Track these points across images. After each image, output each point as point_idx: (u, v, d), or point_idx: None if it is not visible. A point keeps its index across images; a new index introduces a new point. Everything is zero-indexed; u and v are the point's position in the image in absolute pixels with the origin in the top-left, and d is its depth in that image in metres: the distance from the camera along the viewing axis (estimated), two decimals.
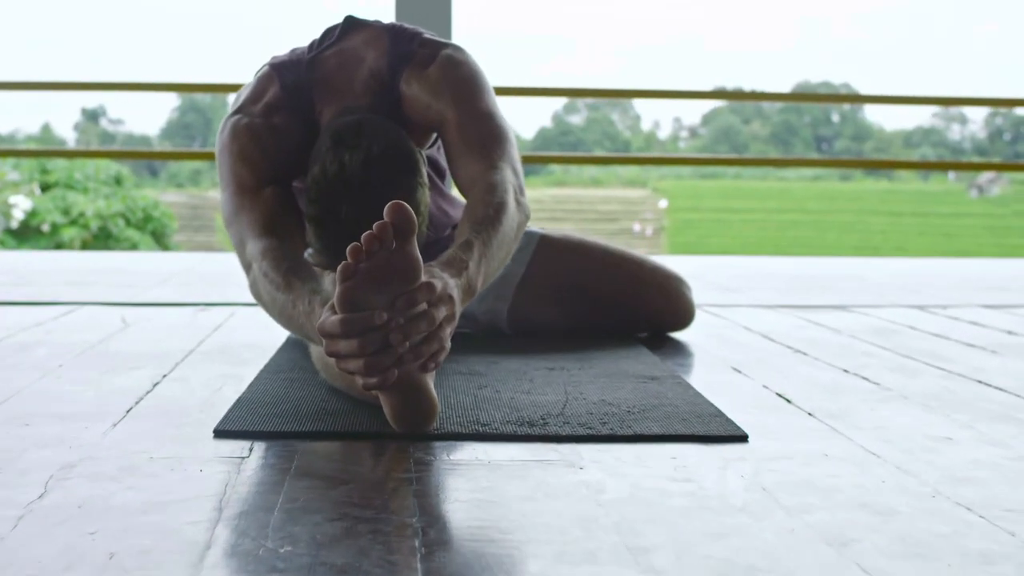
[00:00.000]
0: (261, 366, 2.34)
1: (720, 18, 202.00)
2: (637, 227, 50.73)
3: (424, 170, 2.14)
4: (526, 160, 6.65)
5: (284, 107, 2.32)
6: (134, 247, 27.10)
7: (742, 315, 3.33)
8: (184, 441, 1.70)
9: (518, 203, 2.16)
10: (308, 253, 2.25)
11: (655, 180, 63.03)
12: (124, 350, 2.56)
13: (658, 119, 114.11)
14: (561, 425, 1.81)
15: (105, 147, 74.17)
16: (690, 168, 70.24)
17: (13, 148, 7.61)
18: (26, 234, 28.72)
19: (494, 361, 2.41)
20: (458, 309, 1.81)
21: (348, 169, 2.07)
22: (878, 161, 7.90)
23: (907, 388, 2.20)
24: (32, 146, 39.50)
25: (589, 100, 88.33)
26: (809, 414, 1.95)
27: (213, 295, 3.68)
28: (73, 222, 27.02)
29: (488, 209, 2.06)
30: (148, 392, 2.08)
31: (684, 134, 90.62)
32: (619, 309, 2.81)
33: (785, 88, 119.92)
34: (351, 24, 2.41)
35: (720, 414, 1.90)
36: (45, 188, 28.44)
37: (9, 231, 28.51)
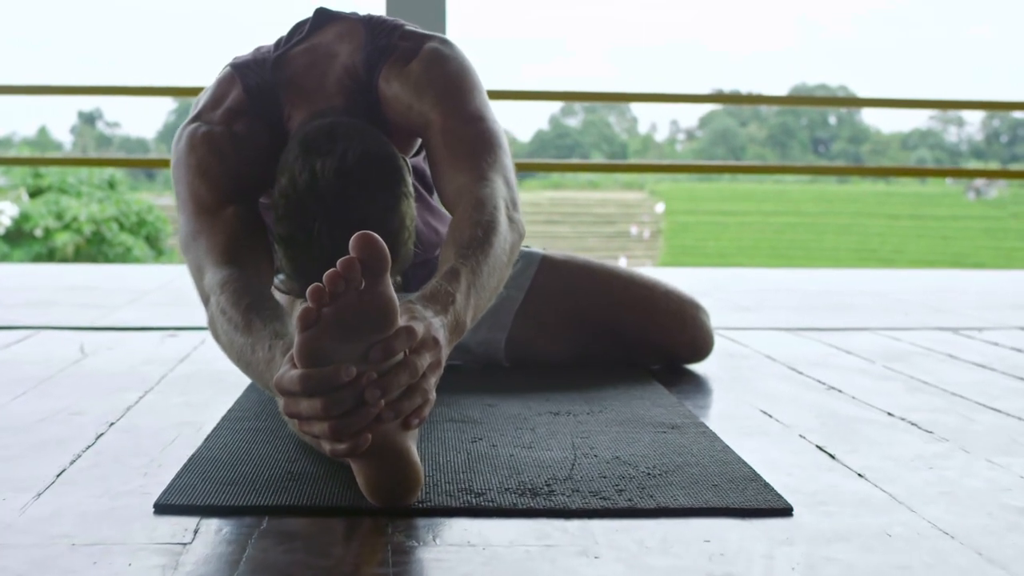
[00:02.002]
0: (225, 410, 2.05)
1: (716, 20, 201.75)
2: (634, 230, 50.50)
3: (408, 179, 1.87)
4: (523, 168, 6.39)
5: (247, 112, 2.05)
6: (128, 251, 26.82)
7: (762, 341, 3.04)
8: (118, 519, 1.41)
9: (511, 220, 1.90)
10: (278, 279, 1.97)
11: (652, 183, 62.81)
12: (73, 389, 2.27)
13: (655, 122, 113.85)
14: (570, 494, 1.52)
15: (100, 152, 73.92)
16: (688, 172, 70.05)
17: (3, 156, 7.33)
18: (19, 239, 28.43)
19: (491, 404, 2.12)
20: (445, 353, 1.55)
21: (320, 179, 1.80)
22: (877, 168, 7.63)
23: (966, 437, 1.91)
24: (26, 151, 39.19)
25: (586, 103, 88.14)
26: (859, 475, 1.66)
27: (184, 318, 3.38)
28: (66, 227, 26.72)
29: (476, 230, 1.79)
30: (88, 447, 1.79)
31: (681, 137, 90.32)
32: (629, 338, 2.52)
33: (782, 90, 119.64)
34: (323, 17, 2.13)
35: (756, 477, 1.61)
36: (38, 192, 28.16)
37: (2, 237, 28.21)
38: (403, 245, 1.85)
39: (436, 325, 1.53)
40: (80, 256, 26.39)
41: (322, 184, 1.80)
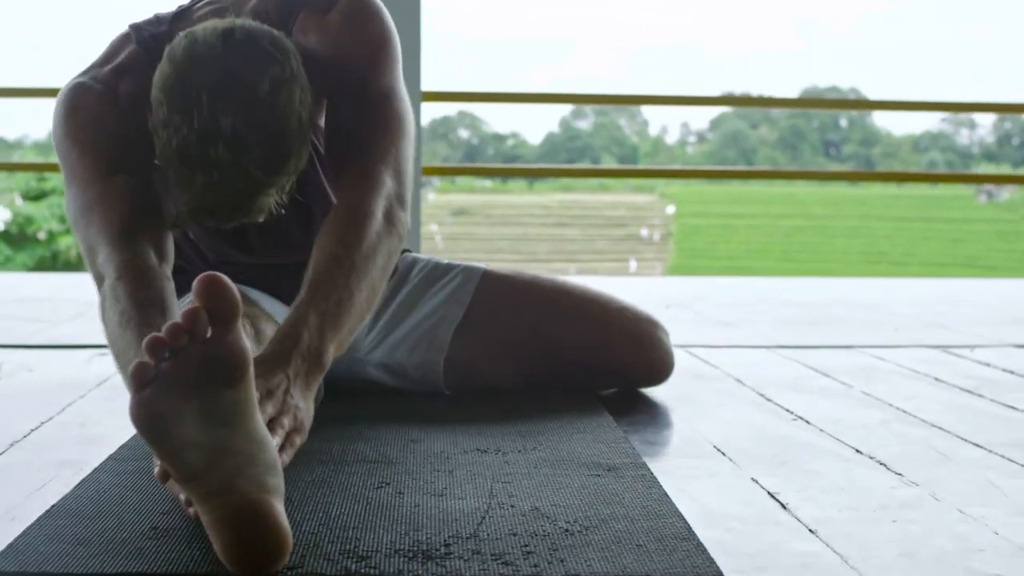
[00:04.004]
0: (120, 443, 1.84)
1: (724, 22, 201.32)
2: (645, 232, 50.31)
3: (304, 74, 1.69)
4: (527, 173, 6.22)
5: (139, 70, 1.82)
6: None
7: (734, 360, 2.82)
8: None
9: (390, 221, 1.82)
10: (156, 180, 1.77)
11: (662, 186, 62.60)
12: None
13: (666, 124, 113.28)
14: (469, 557, 1.31)
15: None
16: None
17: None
18: (22, 242, 28.35)
19: (415, 440, 1.90)
20: (306, 410, 1.52)
21: (202, 44, 1.63)
22: (890, 173, 7.42)
23: (940, 481, 1.69)
24: (31, 155, 39.07)
25: (597, 106, 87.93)
26: (811, 530, 1.44)
27: None
28: (69, 230, 26.62)
29: (339, 247, 1.74)
30: None
31: (692, 139, 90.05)
32: (580, 361, 2.30)
33: (793, 92, 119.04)
34: None
35: (689, 535, 1.40)
36: (42, 196, 28.06)
37: (4, 239, 28.12)
38: (294, 137, 1.66)
39: (294, 392, 1.53)
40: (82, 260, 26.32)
41: (203, 49, 1.62)
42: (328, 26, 1.90)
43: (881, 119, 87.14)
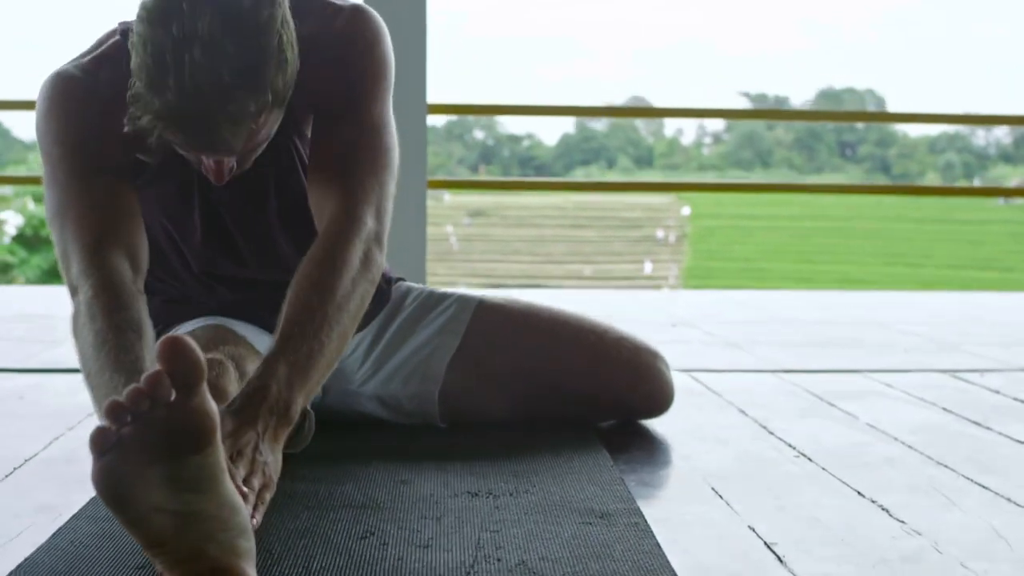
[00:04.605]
0: None
1: (739, 21, 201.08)
2: (660, 234, 50.19)
3: (286, 7, 1.67)
4: (524, 187, 6.16)
5: (120, 56, 1.79)
6: None
7: (739, 387, 2.76)
8: None
9: (366, 266, 1.79)
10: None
11: (678, 187, 62.38)
12: None
13: (681, 125, 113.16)
14: None
15: None
16: (714, 174, 69.72)
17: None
18: (37, 245, 28.41)
19: (404, 480, 1.85)
20: (275, 463, 1.55)
21: None
22: (911, 187, 7.35)
23: (944, 529, 1.64)
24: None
25: (612, 104, 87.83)
26: None
27: None
28: None
29: (315, 295, 1.70)
30: None
31: (708, 140, 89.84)
32: (577, 392, 2.25)
33: (809, 93, 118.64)
34: None
35: None
36: None
37: (20, 241, 28.19)
38: (272, 55, 1.63)
39: (263, 447, 1.52)
40: None
41: None
42: (332, 35, 1.89)
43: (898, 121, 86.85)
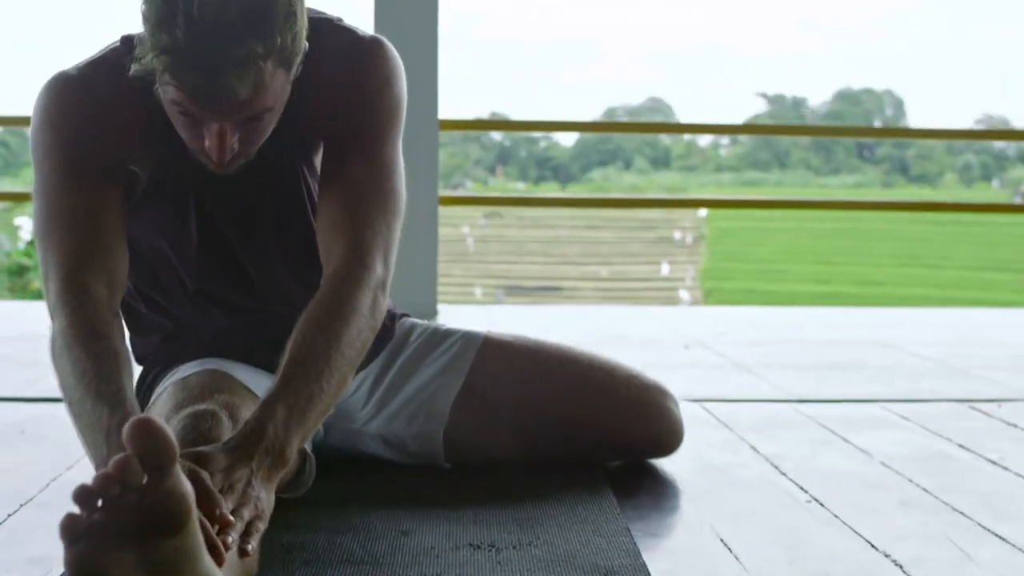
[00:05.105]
0: None
1: (759, 22, 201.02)
2: (677, 235, 50.12)
3: None
4: (521, 203, 6.15)
5: (118, 60, 1.82)
6: None
7: (753, 420, 2.71)
8: None
9: (372, 315, 1.79)
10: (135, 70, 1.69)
11: (695, 187, 62.40)
12: None
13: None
14: None
15: None
16: (731, 175, 69.62)
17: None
18: None
19: (406, 531, 1.81)
20: (267, 499, 1.54)
21: None
22: (935, 203, 7.29)
23: None
24: None
25: (630, 106, 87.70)
26: None
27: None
28: None
29: (321, 338, 1.70)
30: None
31: (725, 140, 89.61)
32: (585, 432, 2.20)
33: (826, 95, 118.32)
34: None
35: None
36: None
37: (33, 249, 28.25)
38: (282, 5, 1.65)
39: (255, 482, 1.50)
40: None
41: None
42: (350, 60, 1.90)
43: (915, 121, 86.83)
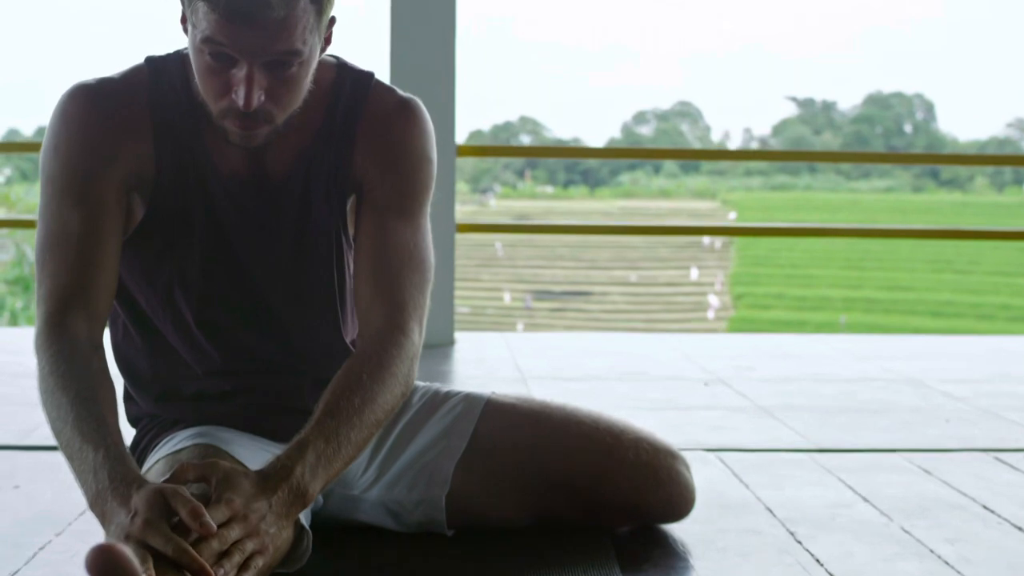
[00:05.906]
0: None
1: (790, 25, 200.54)
2: (706, 240, 50.03)
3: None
4: (539, 231, 6.09)
5: (137, 78, 1.90)
6: None
7: (770, 475, 2.62)
8: None
9: (405, 384, 1.87)
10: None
11: (724, 192, 62.26)
12: None
13: (728, 129, 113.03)
14: None
15: None
16: (760, 179, 69.41)
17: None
18: None
19: None
20: (278, 535, 1.62)
21: None
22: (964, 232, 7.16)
23: None
24: None
25: (659, 110, 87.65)
26: None
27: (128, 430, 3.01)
28: None
29: (354, 398, 1.77)
30: None
31: (754, 144, 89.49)
32: (592, 497, 2.11)
33: (857, 98, 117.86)
34: None
35: None
36: None
37: None
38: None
39: (267, 517, 1.59)
40: None
41: None
42: (393, 115, 1.96)
43: (946, 124, 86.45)
